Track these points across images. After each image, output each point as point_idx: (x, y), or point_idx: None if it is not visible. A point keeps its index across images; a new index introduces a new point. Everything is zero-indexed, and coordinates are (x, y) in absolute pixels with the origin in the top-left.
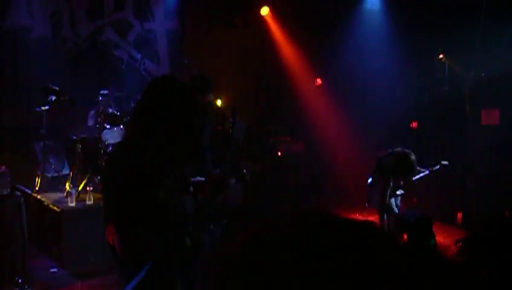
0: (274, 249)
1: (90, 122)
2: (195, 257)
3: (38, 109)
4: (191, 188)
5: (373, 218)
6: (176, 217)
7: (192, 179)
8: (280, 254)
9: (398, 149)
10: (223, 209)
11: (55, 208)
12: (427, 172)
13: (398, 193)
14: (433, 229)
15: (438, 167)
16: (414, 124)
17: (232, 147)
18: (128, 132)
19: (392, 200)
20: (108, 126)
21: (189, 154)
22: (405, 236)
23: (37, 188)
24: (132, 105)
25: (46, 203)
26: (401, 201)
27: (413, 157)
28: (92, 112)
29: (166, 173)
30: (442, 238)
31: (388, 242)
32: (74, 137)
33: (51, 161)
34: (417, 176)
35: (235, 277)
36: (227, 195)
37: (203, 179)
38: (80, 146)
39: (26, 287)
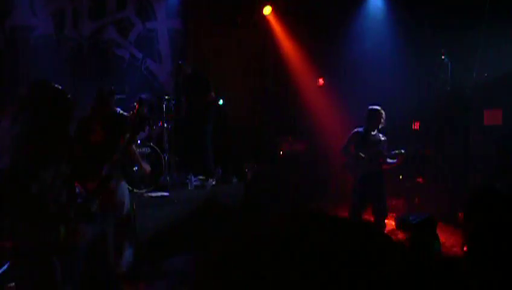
0: (266, 250)
1: None
2: (72, 246)
3: None
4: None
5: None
6: (52, 207)
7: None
8: (274, 254)
9: None
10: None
11: None
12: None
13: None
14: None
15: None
16: (416, 125)
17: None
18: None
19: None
20: None
21: (60, 150)
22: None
23: None
24: (134, 104)
25: None
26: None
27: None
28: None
29: (41, 166)
30: (444, 239)
31: (384, 245)
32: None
33: None
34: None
35: (226, 275)
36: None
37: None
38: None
39: None
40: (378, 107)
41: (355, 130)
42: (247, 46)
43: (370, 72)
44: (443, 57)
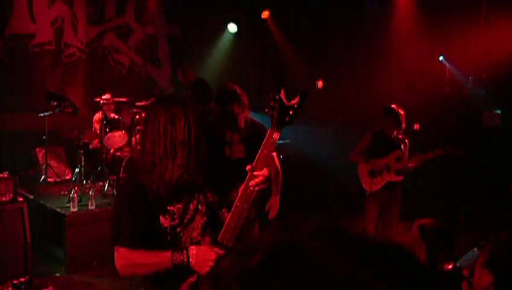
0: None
1: (96, 127)
2: None
3: (40, 115)
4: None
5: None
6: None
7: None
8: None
9: None
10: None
11: (58, 213)
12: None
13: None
14: None
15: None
16: (416, 126)
17: None
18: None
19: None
20: (110, 131)
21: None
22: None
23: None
24: (134, 110)
25: (48, 209)
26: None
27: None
28: (96, 116)
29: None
30: None
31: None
32: (76, 142)
33: (53, 166)
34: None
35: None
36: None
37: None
38: (82, 151)
39: None
40: (394, 106)
41: (370, 131)
42: (245, 50)
43: (368, 73)
44: (441, 58)
